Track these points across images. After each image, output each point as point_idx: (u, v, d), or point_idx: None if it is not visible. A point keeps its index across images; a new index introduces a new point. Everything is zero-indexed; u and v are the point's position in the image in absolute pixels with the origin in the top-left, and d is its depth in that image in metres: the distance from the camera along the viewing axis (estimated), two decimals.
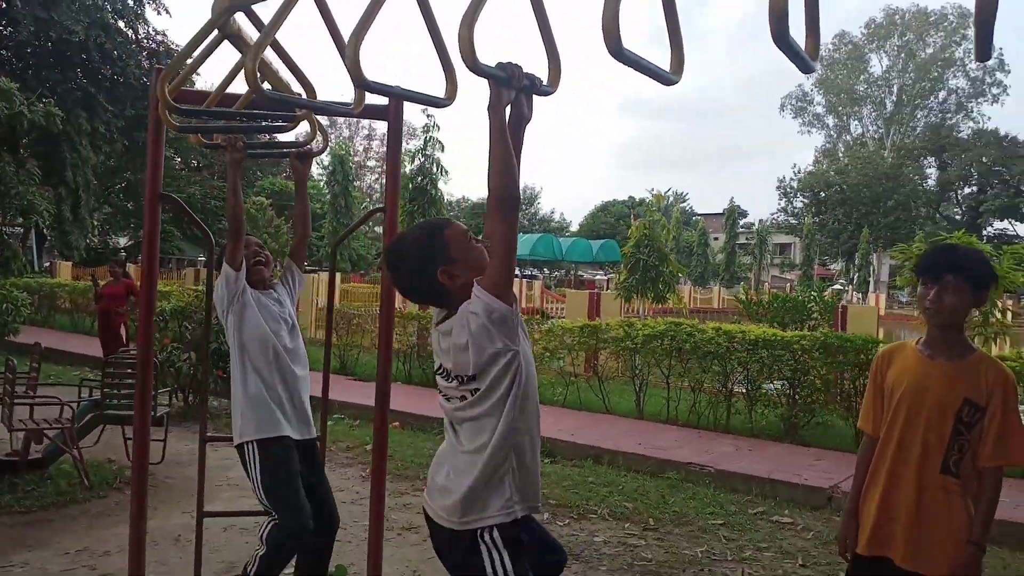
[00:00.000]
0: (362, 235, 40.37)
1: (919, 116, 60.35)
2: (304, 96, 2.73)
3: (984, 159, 52.59)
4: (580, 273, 48.34)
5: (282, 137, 4.00)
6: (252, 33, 2.87)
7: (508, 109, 2.29)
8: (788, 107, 63.72)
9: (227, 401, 8.13)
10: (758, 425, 8.22)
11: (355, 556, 4.65)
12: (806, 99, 63.24)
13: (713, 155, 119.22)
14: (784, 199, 58.74)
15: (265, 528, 3.40)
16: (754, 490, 6.30)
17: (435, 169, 20.03)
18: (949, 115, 59.11)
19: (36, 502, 5.34)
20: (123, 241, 39.24)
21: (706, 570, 4.67)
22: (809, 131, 64.52)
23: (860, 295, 41.82)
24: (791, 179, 58.36)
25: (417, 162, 20.32)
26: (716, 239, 55.27)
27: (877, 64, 60.74)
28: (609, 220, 62.59)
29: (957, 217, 56.15)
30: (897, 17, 59.35)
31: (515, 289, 2.33)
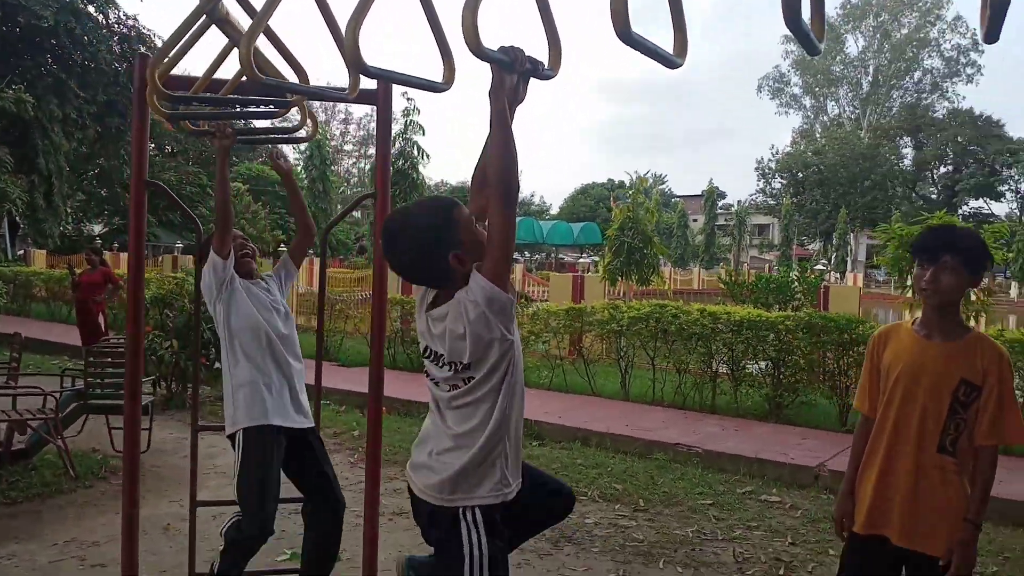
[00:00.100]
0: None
1: (895, 96, 60.87)
2: (297, 82, 2.68)
3: (959, 138, 53.18)
4: (561, 256, 48.39)
5: (261, 123, 3.96)
6: (240, 18, 2.81)
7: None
8: (765, 88, 64.09)
9: (209, 388, 8.08)
10: (743, 405, 8.28)
11: (347, 542, 4.62)
12: (783, 80, 63.60)
13: (691, 137, 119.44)
14: (762, 180, 59.18)
15: (226, 524, 3.37)
16: (741, 470, 6.36)
17: (416, 153, 19.92)
18: (924, 95, 59.69)
19: (22, 493, 5.27)
20: (98, 228, 38.74)
21: (697, 550, 4.70)
22: (786, 112, 64.99)
23: (838, 275, 42.18)
24: (769, 160, 58.75)
25: (398, 146, 20.20)
26: (695, 221, 55.59)
27: (853, 45, 61.15)
28: (589, 203, 62.66)
29: (933, 196, 56.79)
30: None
31: None
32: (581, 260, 35.47)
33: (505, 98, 2.19)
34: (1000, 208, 54.91)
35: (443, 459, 2.22)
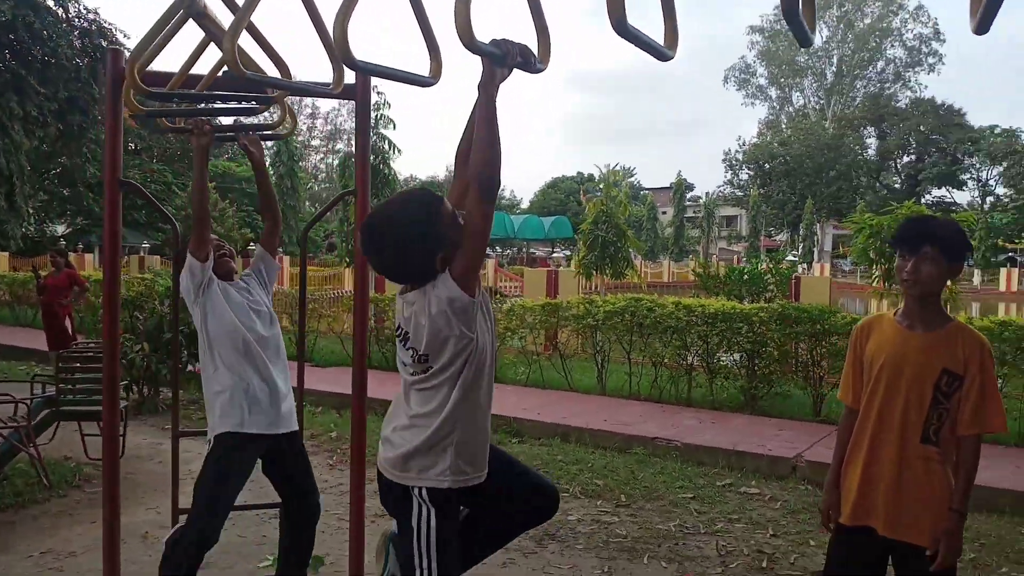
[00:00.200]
0: (309, 216, 39.79)
1: (858, 86, 61.58)
2: (279, 77, 2.63)
3: (922, 128, 54.02)
4: (533, 251, 48.41)
5: (228, 120, 3.86)
6: (218, 13, 2.76)
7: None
8: (732, 79, 64.50)
9: (183, 392, 7.94)
10: (719, 398, 8.33)
11: (330, 546, 4.59)
12: (749, 71, 64.09)
13: (658, 129, 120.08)
14: (730, 171, 59.62)
15: (172, 531, 3.27)
16: (720, 462, 6.39)
17: (387, 147, 19.76)
18: (887, 85, 60.47)
19: None
20: (61, 229, 38.03)
21: (680, 544, 4.71)
22: (753, 103, 65.53)
23: (805, 265, 42.69)
24: (736, 151, 59.21)
25: (373, 140, 20.03)
26: (664, 213, 55.84)
27: (817, 35, 61.60)
28: (559, 196, 62.77)
29: (897, 186, 57.65)
30: None
31: None
32: (555, 255, 35.53)
33: (494, 92, 2.18)
34: (962, 196, 55.96)
35: (402, 435, 2.31)
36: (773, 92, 64.19)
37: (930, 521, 2.60)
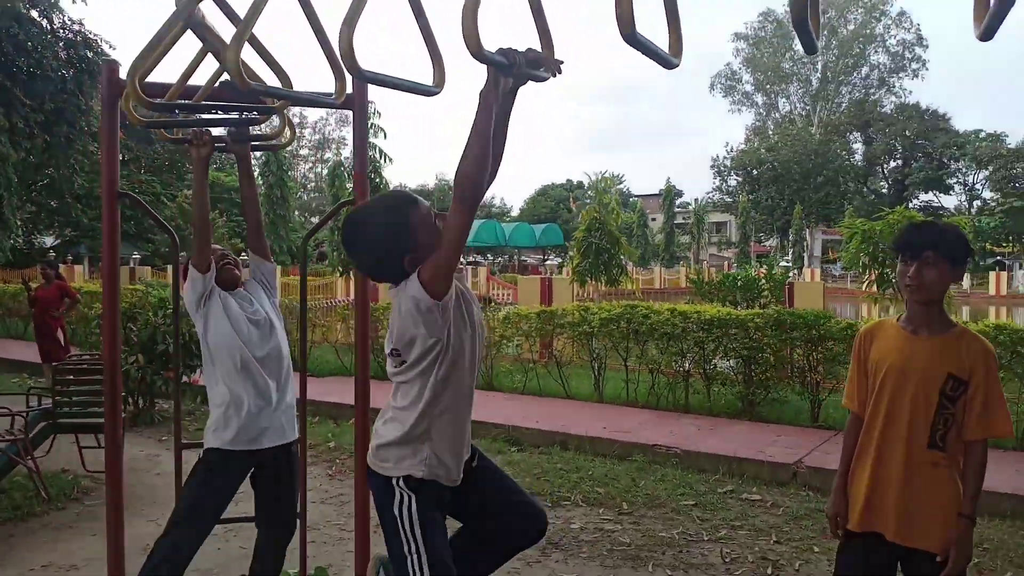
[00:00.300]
0: (299, 226, 39.69)
1: (844, 92, 61.90)
2: (280, 87, 2.61)
3: (907, 133, 54.33)
4: (524, 258, 48.43)
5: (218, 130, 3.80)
6: (217, 22, 2.73)
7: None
8: (718, 86, 64.70)
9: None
10: (716, 404, 8.33)
11: (333, 556, 4.56)
12: (735, 78, 64.31)
13: (645, 135, 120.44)
14: (718, 178, 59.78)
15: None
16: (720, 469, 6.38)
17: (378, 156, 19.74)
18: (872, 90, 60.79)
19: None
20: (49, 240, 37.79)
21: (684, 551, 4.70)
22: (739, 109, 65.75)
23: (796, 270, 42.86)
24: (724, 158, 59.38)
25: None
26: (654, 220, 55.96)
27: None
28: (549, 204, 62.85)
29: (884, 191, 57.94)
30: None
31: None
32: (548, 262, 35.58)
33: (494, 102, 2.18)
34: (949, 201, 56.28)
35: (385, 427, 2.40)
36: (759, 98, 64.47)
37: (939, 527, 2.59)
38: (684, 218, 58.04)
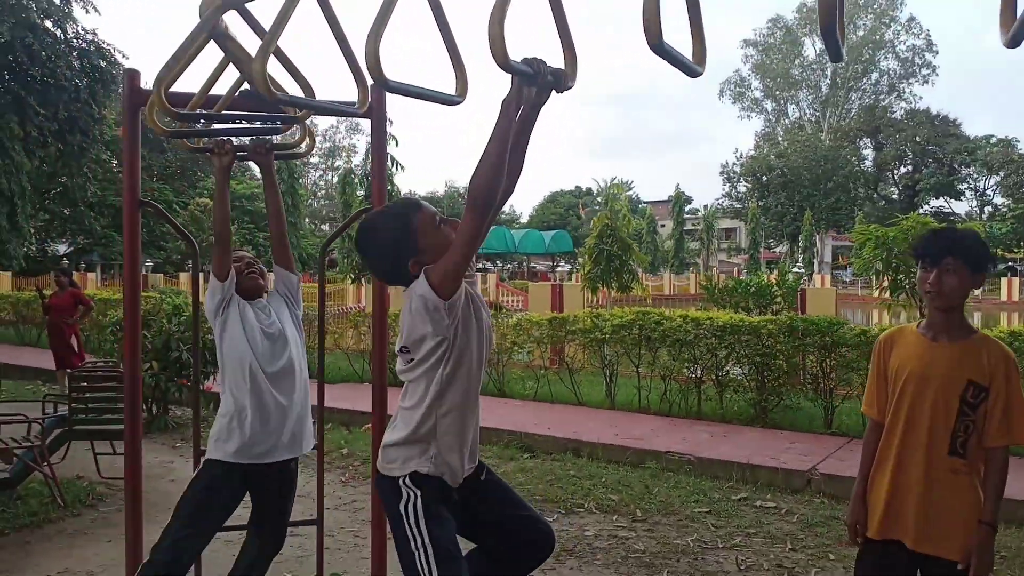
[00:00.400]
0: (310, 233, 39.85)
1: (853, 98, 61.74)
2: (303, 97, 2.64)
3: (918, 138, 54.15)
4: (533, 265, 48.44)
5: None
6: (239, 32, 2.77)
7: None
8: (727, 93, 64.61)
9: (190, 409, 7.90)
10: (729, 410, 8.31)
11: (347, 563, 4.58)
12: (744, 84, 64.21)
13: (654, 142, 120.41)
14: (728, 184, 59.69)
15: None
16: (734, 476, 6.36)
17: (391, 164, 19.81)
18: (882, 96, 60.63)
19: (8, 524, 5.10)
20: (62, 248, 38.05)
21: (699, 559, 4.69)
22: (748, 116, 65.58)
23: (806, 276, 42.75)
24: (734, 164, 59.30)
25: (371, 158, 20.02)
26: (663, 226, 55.90)
27: (811, 48, 61.88)
28: (559, 211, 62.86)
29: (894, 197, 57.74)
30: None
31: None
32: (559, 269, 35.60)
33: (515, 111, 2.20)
34: (960, 206, 56.03)
35: (393, 427, 2.45)
36: (769, 105, 64.35)
37: (960, 535, 2.59)
38: (693, 224, 57.96)
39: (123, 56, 25.03)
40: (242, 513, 3.39)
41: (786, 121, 64.43)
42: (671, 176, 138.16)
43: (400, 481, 2.37)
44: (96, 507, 5.56)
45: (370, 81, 2.14)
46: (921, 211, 49.97)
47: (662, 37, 1.64)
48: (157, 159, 34.17)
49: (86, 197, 27.37)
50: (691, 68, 1.92)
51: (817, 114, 62.48)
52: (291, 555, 4.66)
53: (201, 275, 4.14)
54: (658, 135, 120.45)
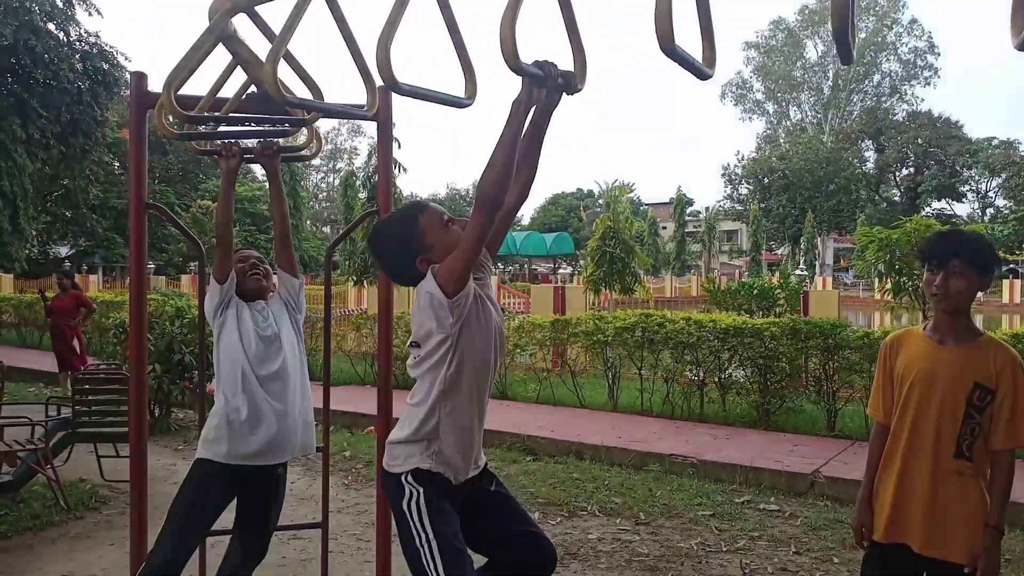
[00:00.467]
0: (311, 235, 39.86)
1: (855, 100, 61.72)
2: (312, 100, 2.64)
3: (919, 140, 54.11)
4: (535, 267, 48.44)
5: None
6: (247, 34, 2.76)
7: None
8: (728, 94, 64.60)
9: (193, 412, 7.93)
10: (732, 413, 8.30)
11: (351, 567, 4.58)
12: (745, 86, 64.19)
13: (655, 143, 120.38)
14: (729, 186, 59.64)
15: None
16: (737, 479, 6.36)
17: (394, 167, 19.82)
18: (884, 98, 60.59)
19: (11, 527, 5.10)
20: (64, 250, 38.08)
21: (703, 562, 4.68)
22: (750, 118, 65.55)
23: (808, 279, 42.72)
24: (735, 166, 59.26)
25: (373, 160, 20.10)
26: (664, 228, 55.89)
27: (812, 50, 61.88)
28: (560, 213, 62.85)
29: (896, 199, 57.68)
30: (829, 2, 60.59)
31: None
32: (561, 271, 35.58)
33: (525, 113, 2.21)
34: (962, 208, 55.99)
35: (398, 428, 2.47)
36: (770, 107, 64.31)
37: (966, 538, 2.58)
38: (695, 226, 57.93)
39: (125, 58, 25.09)
40: (228, 518, 3.38)
41: (788, 123, 64.41)
42: (670, 178, 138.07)
43: (403, 478, 2.38)
44: (99, 510, 5.55)
45: (379, 83, 2.14)
46: (923, 213, 49.92)
47: (674, 41, 1.64)
48: (159, 161, 34.24)
49: (88, 199, 27.43)
50: (701, 71, 1.92)
51: (819, 116, 62.46)
52: (295, 559, 4.66)
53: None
54: (658, 136, 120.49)
